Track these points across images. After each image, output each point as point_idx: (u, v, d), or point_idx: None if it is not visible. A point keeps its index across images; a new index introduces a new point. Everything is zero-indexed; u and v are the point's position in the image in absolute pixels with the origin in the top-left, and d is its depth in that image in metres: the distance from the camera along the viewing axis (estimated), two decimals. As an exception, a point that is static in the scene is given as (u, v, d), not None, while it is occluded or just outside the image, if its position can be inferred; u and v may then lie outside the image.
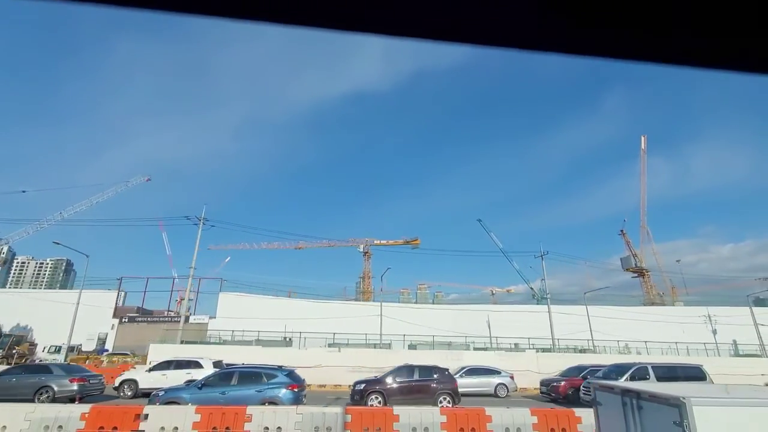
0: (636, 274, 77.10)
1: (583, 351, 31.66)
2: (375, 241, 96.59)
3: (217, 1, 0.60)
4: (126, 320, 36.33)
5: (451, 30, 0.65)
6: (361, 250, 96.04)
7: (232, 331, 30.26)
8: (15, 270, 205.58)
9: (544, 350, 30.13)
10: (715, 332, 41.97)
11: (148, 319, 36.37)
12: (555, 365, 22.33)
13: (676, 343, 36.16)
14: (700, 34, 0.65)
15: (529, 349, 28.18)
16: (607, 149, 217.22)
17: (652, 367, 14.79)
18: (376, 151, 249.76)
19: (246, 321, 36.02)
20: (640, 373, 14.68)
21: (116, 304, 37.87)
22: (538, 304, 64.30)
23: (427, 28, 0.65)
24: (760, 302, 70.40)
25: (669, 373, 14.57)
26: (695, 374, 14.54)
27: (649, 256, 79.13)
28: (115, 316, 36.99)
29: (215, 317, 38.17)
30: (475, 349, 29.47)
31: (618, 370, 15.17)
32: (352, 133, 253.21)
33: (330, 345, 26.01)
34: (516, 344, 31.83)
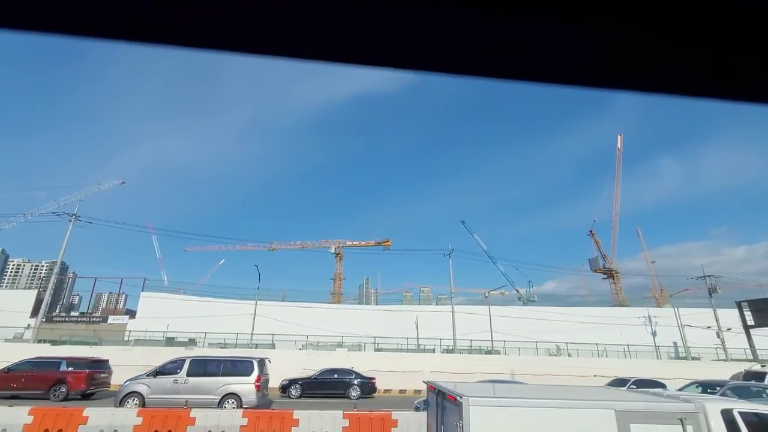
0: (605, 276, 75.43)
1: (489, 352, 30.59)
2: (347, 243, 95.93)
3: (220, 37, 0.61)
4: (44, 320, 36.02)
5: (451, 63, 0.66)
6: (333, 251, 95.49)
7: (129, 331, 29.67)
8: (10, 272, 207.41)
9: (448, 351, 29.25)
10: (654, 334, 40.48)
11: (66, 318, 36.08)
12: (425, 364, 21.64)
13: (597, 344, 34.86)
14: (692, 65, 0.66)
15: (427, 350, 27.20)
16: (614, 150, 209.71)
17: (190, 361, 13.58)
18: (379, 154, 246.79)
19: (168, 321, 35.48)
20: (185, 367, 13.46)
21: (35, 303, 37.53)
22: (524, 305, 63.14)
23: (429, 62, 0.66)
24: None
25: (209, 367, 13.51)
26: (244, 370, 13.32)
27: (641, 260, 77.01)
28: (33, 315, 36.71)
29: (135, 317, 37.83)
30: (377, 350, 28.59)
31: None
32: (355, 136, 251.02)
33: (210, 344, 25.39)
34: (420, 345, 30.96)
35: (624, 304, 69.95)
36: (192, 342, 29.91)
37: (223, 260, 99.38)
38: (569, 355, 36.65)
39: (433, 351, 29.00)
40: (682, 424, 4.93)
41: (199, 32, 0.60)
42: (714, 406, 5.52)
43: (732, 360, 33.92)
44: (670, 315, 43.62)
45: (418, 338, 37.31)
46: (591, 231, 77.56)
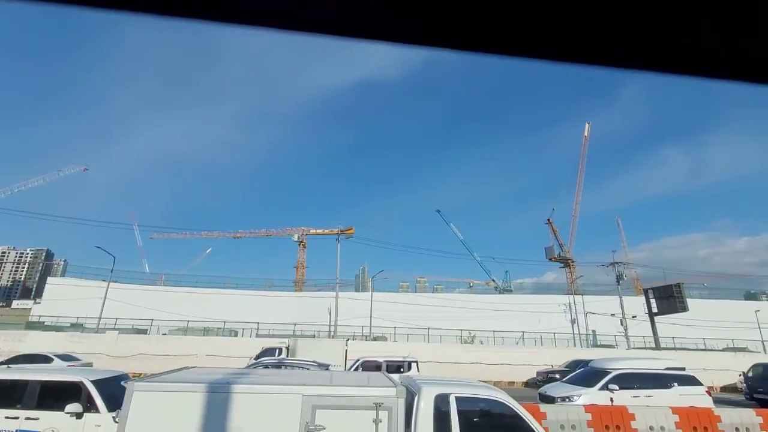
0: (562, 264, 74.91)
1: (375, 339, 30.13)
2: (310, 231, 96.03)
3: (221, 7, 0.60)
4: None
5: (452, 37, 0.65)
6: (296, 239, 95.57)
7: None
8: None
9: (329, 336, 28.81)
10: (573, 321, 40.01)
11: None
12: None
13: (495, 331, 34.39)
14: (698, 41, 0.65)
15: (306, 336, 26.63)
16: (620, 140, 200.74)
17: None
18: (377, 145, 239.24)
19: (73, 306, 35.05)
20: None
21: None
22: (500, 294, 62.99)
23: (430, 36, 0.65)
24: (750, 296, 67.70)
25: None
26: None
27: (641, 251, 75.77)
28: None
29: (40, 302, 37.49)
30: (258, 335, 28.22)
31: None
32: (359, 123, 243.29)
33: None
34: (301, 331, 30.57)
35: (578, 292, 69.67)
36: (77, 326, 29.51)
37: (209, 249, 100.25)
38: (481, 343, 36.31)
39: (313, 336, 28.54)
40: (377, 410, 4.68)
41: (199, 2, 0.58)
42: (429, 391, 5.34)
43: (635, 348, 33.50)
44: (593, 302, 43.18)
45: (329, 325, 36.88)
46: (549, 219, 76.85)
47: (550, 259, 75.27)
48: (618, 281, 34.57)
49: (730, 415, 7.19)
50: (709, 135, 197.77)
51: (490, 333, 36.91)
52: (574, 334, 39.01)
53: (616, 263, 35.31)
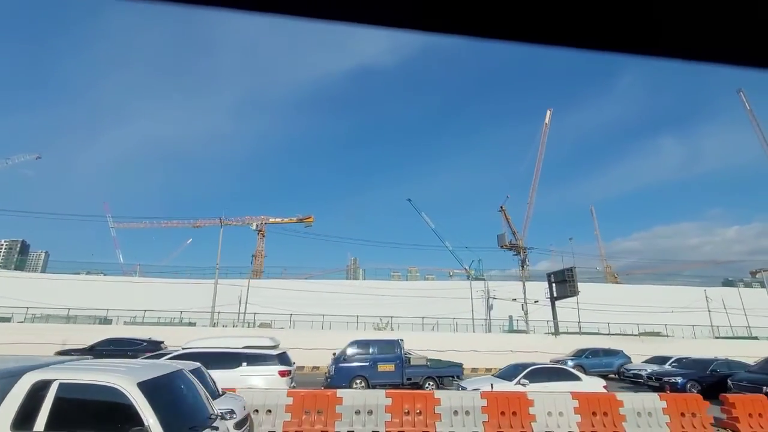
0: (515, 252, 74.67)
1: (260, 326, 29.56)
2: (270, 219, 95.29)
3: None
4: None
5: (448, 22, 0.64)
6: (255, 228, 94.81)
7: None
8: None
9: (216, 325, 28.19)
10: (491, 308, 39.74)
11: None
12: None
13: (383, 316, 34.03)
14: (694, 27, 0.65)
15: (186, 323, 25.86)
16: (613, 130, 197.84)
17: None
18: (351, 136, 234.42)
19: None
20: None
21: None
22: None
23: (425, 20, 0.64)
24: (728, 283, 68.42)
25: None
26: None
27: (633, 240, 76.04)
28: None
29: None
30: (126, 323, 27.55)
31: None
32: (340, 115, 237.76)
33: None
34: (188, 319, 30.07)
35: (528, 279, 69.63)
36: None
37: (190, 239, 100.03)
38: (392, 329, 36.01)
39: (192, 324, 27.93)
40: None
41: None
42: (29, 377, 4.60)
43: (537, 333, 33.29)
44: (505, 287, 42.96)
45: (240, 313, 36.27)
46: (502, 207, 76.24)
47: (501, 247, 74.84)
48: (522, 266, 34.18)
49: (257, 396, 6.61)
50: (703, 124, 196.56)
51: (404, 319, 36.67)
52: (488, 319, 38.83)
53: (525, 249, 34.86)
